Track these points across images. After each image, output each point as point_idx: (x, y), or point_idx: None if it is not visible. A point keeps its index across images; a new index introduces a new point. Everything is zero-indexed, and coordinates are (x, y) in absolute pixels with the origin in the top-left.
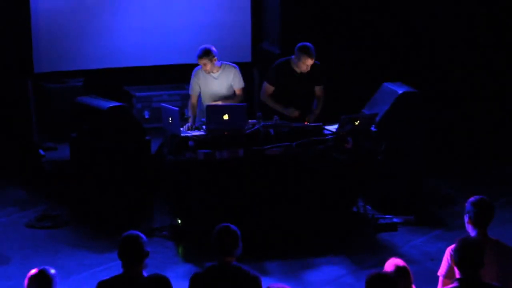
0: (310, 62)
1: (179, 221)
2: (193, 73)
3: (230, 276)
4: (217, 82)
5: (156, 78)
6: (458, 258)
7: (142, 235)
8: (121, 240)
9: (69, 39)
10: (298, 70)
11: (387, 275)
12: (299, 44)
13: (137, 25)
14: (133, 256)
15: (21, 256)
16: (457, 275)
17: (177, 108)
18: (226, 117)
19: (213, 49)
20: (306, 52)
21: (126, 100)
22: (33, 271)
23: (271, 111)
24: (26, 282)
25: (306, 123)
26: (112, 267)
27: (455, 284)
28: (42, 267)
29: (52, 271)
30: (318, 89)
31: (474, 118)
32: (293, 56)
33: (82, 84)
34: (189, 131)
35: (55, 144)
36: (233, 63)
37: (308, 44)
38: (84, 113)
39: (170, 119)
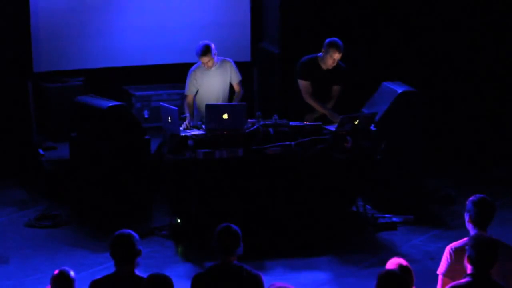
0: (337, 56)
1: (179, 221)
2: (189, 73)
3: (232, 276)
4: (216, 77)
5: (156, 78)
6: (473, 255)
7: (134, 233)
8: (112, 238)
9: (68, 39)
10: (324, 66)
11: (397, 273)
12: (328, 39)
13: (136, 24)
14: (124, 254)
15: (21, 256)
16: (468, 271)
17: (176, 108)
18: (225, 116)
19: (212, 45)
20: (334, 45)
21: (126, 99)
22: (56, 272)
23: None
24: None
25: (305, 122)
26: (111, 266)
27: (467, 279)
28: (62, 268)
29: (72, 273)
30: (335, 89)
31: (474, 118)
32: (320, 54)
33: (81, 84)
34: (187, 130)
35: (55, 143)
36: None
37: (337, 39)
38: (84, 112)
39: (169, 118)
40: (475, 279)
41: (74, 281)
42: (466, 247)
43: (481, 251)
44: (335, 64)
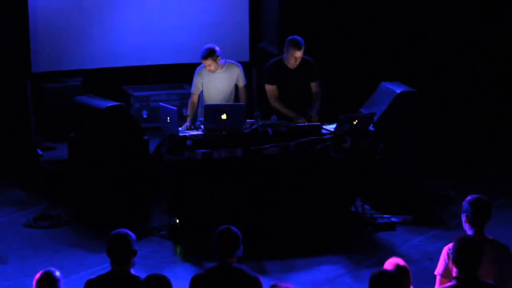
0: (298, 54)
1: (177, 221)
2: (196, 71)
3: (231, 278)
4: (221, 80)
5: (155, 78)
6: (457, 257)
7: (131, 233)
8: (109, 237)
9: (67, 39)
10: (290, 66)
11: (391, 273)
12: (287, 38)
13: (135, 24)
14: (120, 254)
15: (20, 256)
16: (454, 274)
17: (175, 108)
18: (224, 116)
19: (217, 48)
20: (293, 44)
21: (124, 99)
22: (38, 274)
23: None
24: (34, 285)
25: (305, 121)
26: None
27: (453, 282)
28: (47, 269)
29: (57, 273)
30: (313, 85)
31: (474, 118)
32: (284, 55)
33: (80, 84)
34: (187, 131)
35: (54, 143)
36: None
37: (296, 37)
38: (83, 112)
39: (168, 118)
40: (461, 282)
41: (59, 281)
42: (449, 250)
43: (464, 253)
44: (298, 62)
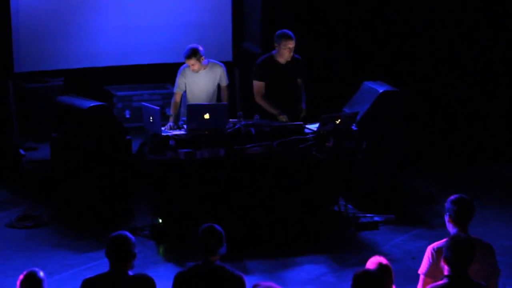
0: (292, 44)
1: (160, 221)
2: (179, 70)
3: (214, 276)
4: (204, 80)
5: (137, 78)
6: (450, 256)
7: (131, 236)
8: (110, 239)
9: (49, 39)
10: (282, 60)
11: (373, 273)
12: (276, 33)
13: (118, 24)
14: (120, 256)
15: (2, 257)
16: (445, 273)
17: (158, 107)
18: (207, 116)
19: (200, 48)
20: (285, 35)
21: (107, 99)
22: (22, 275)
23: (263, 111)
24: (18, 285)
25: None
26: (93, 267)
27: (444, 281)
28: (31, 270)
29: (41, 273)
30: (299, 81)
31: (457, 117)
32: (274, 52)
33: (62, 84)
34: (170, 131)
35: (36, 143)
36: None
37: (284, 30)
38: (65, 112)
39: (151, 118)
40: (452, 280)
41: (43, 281)
42: (433, 250)
43: (457, 252)
44: (292, 53)
